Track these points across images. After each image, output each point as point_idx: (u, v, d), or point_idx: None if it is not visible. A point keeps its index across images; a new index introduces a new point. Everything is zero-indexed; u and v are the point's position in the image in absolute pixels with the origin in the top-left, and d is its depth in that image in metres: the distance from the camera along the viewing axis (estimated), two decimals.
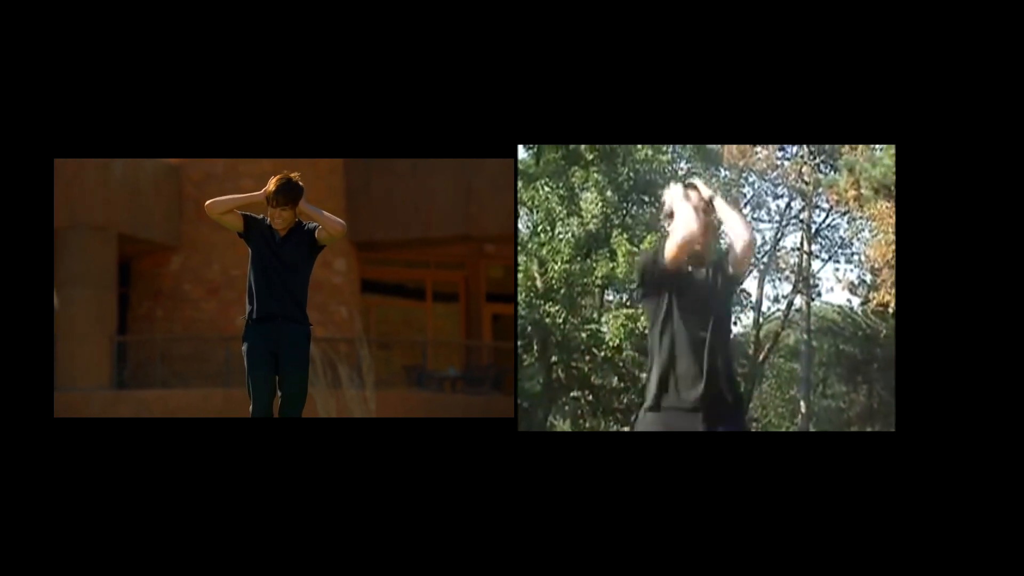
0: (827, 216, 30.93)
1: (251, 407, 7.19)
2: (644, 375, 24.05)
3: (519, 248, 24.89)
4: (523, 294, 24.46)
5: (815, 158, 29.43)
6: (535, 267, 24.44)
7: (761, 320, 31.01)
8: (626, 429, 24.55)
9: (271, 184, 7.14)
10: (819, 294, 31.70)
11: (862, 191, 26.14)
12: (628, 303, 24.50)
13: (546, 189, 25.14)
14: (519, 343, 25.57)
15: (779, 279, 31.37)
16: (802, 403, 31.55)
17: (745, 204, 30.19)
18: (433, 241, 24.26)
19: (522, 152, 27.12)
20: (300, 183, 7.20)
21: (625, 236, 24.43)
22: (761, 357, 30.88)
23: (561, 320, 24.57)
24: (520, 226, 26.10)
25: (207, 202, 7.20)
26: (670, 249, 5.71)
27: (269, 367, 7.17)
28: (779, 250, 31.48)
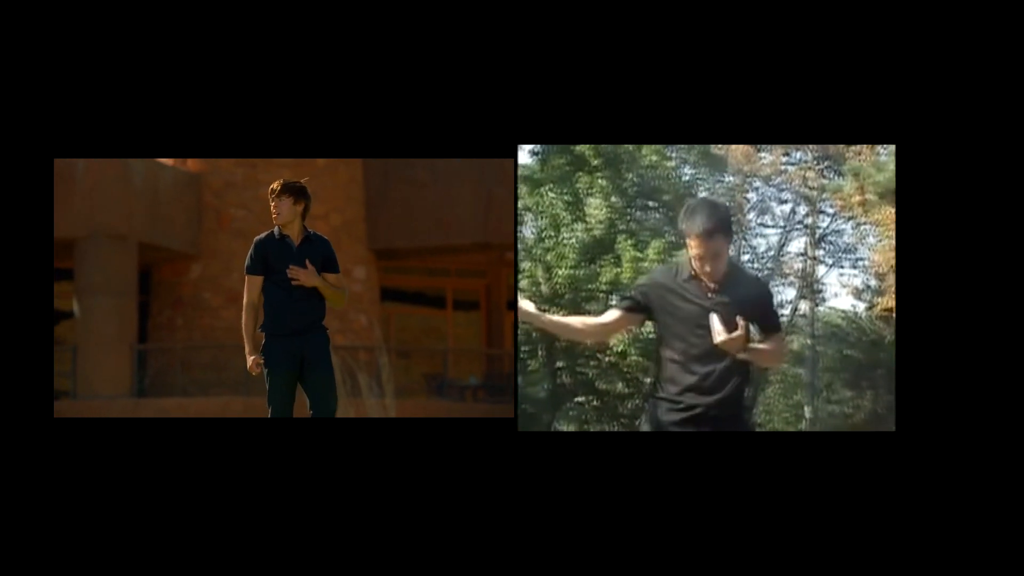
0: (832, 221, 30.86)
1: (270, 410, 7.36)
2: (649, 380, 24.08)
3: (525, 254, 24.95)
4: (528, 299, 24.44)
5: (820, 163, 29.40)
6: (540, 272, 24.49)
7: None
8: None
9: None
10: (824, 299, 31.67)
11: (867, 196, 26.13)
12: None
13: (551, 195, 25.17)
14: (525, 348, 25.62)
15: (784, 284, 31.33)
16: (807, 408, 31.50)
17: (750, 209, 30.15)
18: (453, 249, 24.08)
19: (528, 157, 27.20)
20: (304, 185, 7.43)
21: (630, 242, 24.46)
22: None
23: None
24: (526, 231, 26.14)
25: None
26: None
27: (291, 371, 7.32)
28: (784, 256, 31.49)
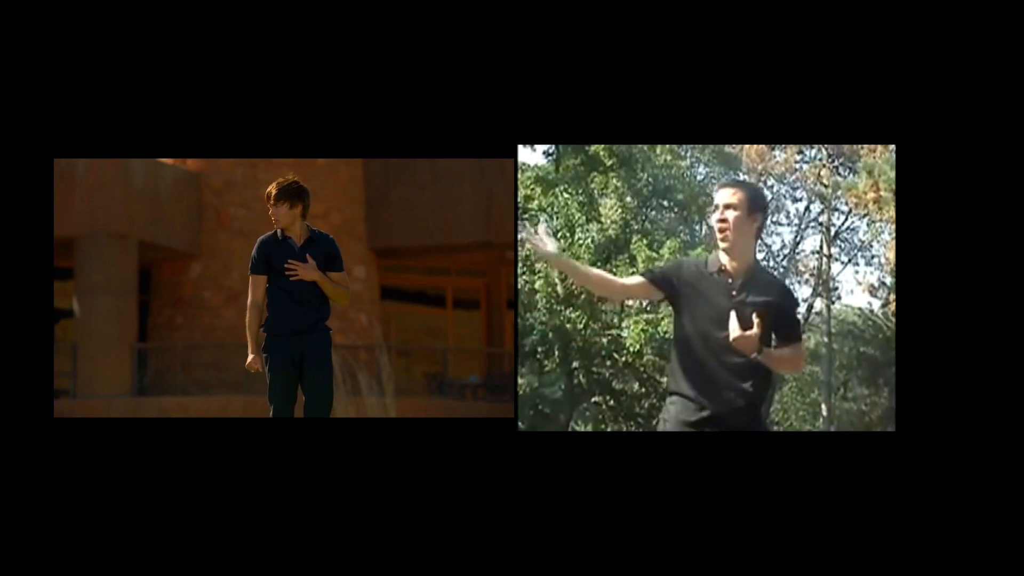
0: (846, 219, 30.93)
1: (271, 410, 7.36)
2: (665, 379, 24.01)
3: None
4: (544, 300, 24.50)
5: (834, 161, 29.42)
6: (556, 273, 24.49)
7: None
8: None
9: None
10: (839, 297, 31.71)
11: (881, 193, 26.16)
12: (648, 308, 24.57)
13: (565, 195, 25.17)
14: (541, 349, 25.62)
15: (799, 283, 31.35)
16: (823, 406, 31.56)
17: None
18: (454, 248, 24.06)
19: (542, 158, 27.21)
20: (299, 184, 7.35)
21: (645, 241, 24.45)
22: None
23: (582, 326, 24.60)
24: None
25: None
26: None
27: (291, 371, 7.29)
28: (798, 253, 31.51)
